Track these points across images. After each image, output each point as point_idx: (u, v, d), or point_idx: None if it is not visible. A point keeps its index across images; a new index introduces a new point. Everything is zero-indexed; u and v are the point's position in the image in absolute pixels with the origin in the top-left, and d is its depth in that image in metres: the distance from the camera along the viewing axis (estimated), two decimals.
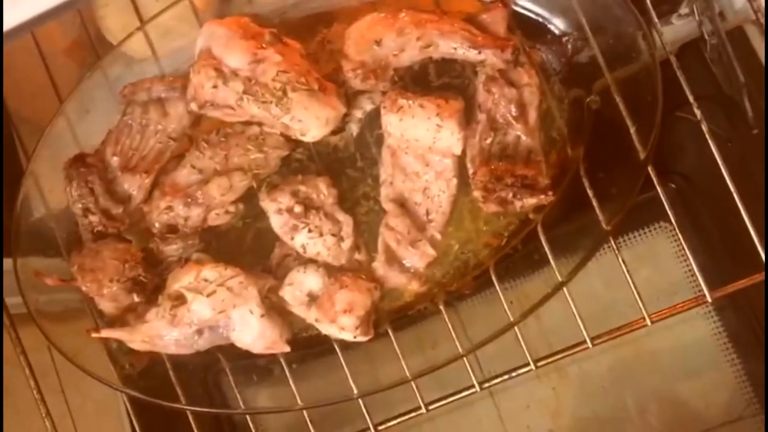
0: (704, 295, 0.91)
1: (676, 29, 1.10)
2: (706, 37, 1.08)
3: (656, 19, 0.93)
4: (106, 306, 0.92)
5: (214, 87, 0.86)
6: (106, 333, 0.91)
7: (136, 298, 0.91)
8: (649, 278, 1.26)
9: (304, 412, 0.95)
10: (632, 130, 0.88)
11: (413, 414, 0.95)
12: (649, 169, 0.88)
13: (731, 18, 1.10)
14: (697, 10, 1.06)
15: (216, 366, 0.99)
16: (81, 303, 0.96)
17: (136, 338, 0.90)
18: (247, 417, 1.01)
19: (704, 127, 0.91)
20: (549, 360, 0.94)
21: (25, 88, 1.15)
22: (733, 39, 1.06)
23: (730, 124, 1.15)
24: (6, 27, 0.61)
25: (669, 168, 1.23)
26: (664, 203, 0.91)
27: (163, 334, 0.89)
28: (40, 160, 0.95)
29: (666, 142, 0.90)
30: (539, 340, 1.20)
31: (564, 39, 0.91)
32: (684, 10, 1.07)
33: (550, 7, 0.91)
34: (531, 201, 0.87)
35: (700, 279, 0.91)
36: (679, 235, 0.93)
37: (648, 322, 0.91)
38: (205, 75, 0.86)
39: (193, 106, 0.89)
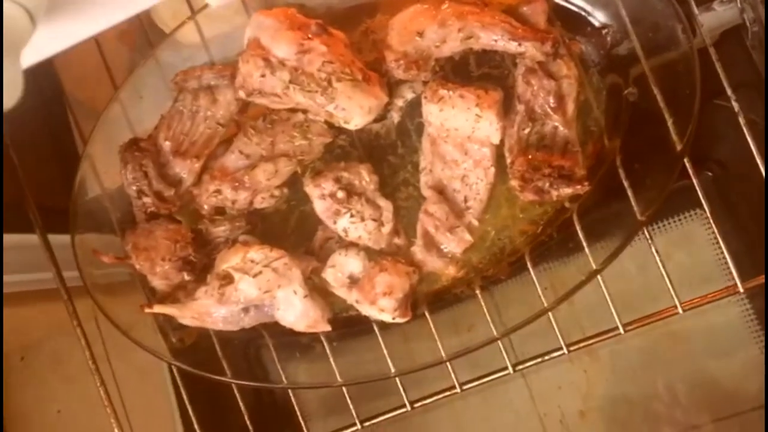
0: (736, 285, 0.92)
1: (717, 15, 1.09)
2: (748, 24, 1.07)
3: (696, 10, 0.93)
4: (158, 283, 0.95)
5: (262, 76, 0.88)
6: (158, 309, 0.94)
7: (186, 277, 0.94)
8: (681, 264, 1.25)
9: (343, 387, 0.99)
10: (669, 122, 0.88)
11: (448, 393, 0.98)
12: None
13: None
14: None
15: (258, 341, 1.02)
16: (131, 277, 0.99)
17: (186, 314, 0.94)
18: (289, 390, 1.05)
19: (741, 119, 0.91)
20: (581, 345, 0.95)
21: (79, 71, 1.18)
22: None
23: None
24: (76, 40, 0.63)
25: (705, 155, 1.22)
26: (699, 192, 0.91)
27: (211, 311, 0.92)
28: (95, 143, 0.98)
29: (703, 130, 0.89)
30: (571, 323, 1.21)
31: (603, 31, 0.92)
32: None
33: None
34: (567, 191, 0.88)
35: (733, 268, 0.91)
36: (713, 224, 0.93)
37: (680, 310, 0.92)
38: (253, 64, 0.88)
39: (242, 94, 0.91)
